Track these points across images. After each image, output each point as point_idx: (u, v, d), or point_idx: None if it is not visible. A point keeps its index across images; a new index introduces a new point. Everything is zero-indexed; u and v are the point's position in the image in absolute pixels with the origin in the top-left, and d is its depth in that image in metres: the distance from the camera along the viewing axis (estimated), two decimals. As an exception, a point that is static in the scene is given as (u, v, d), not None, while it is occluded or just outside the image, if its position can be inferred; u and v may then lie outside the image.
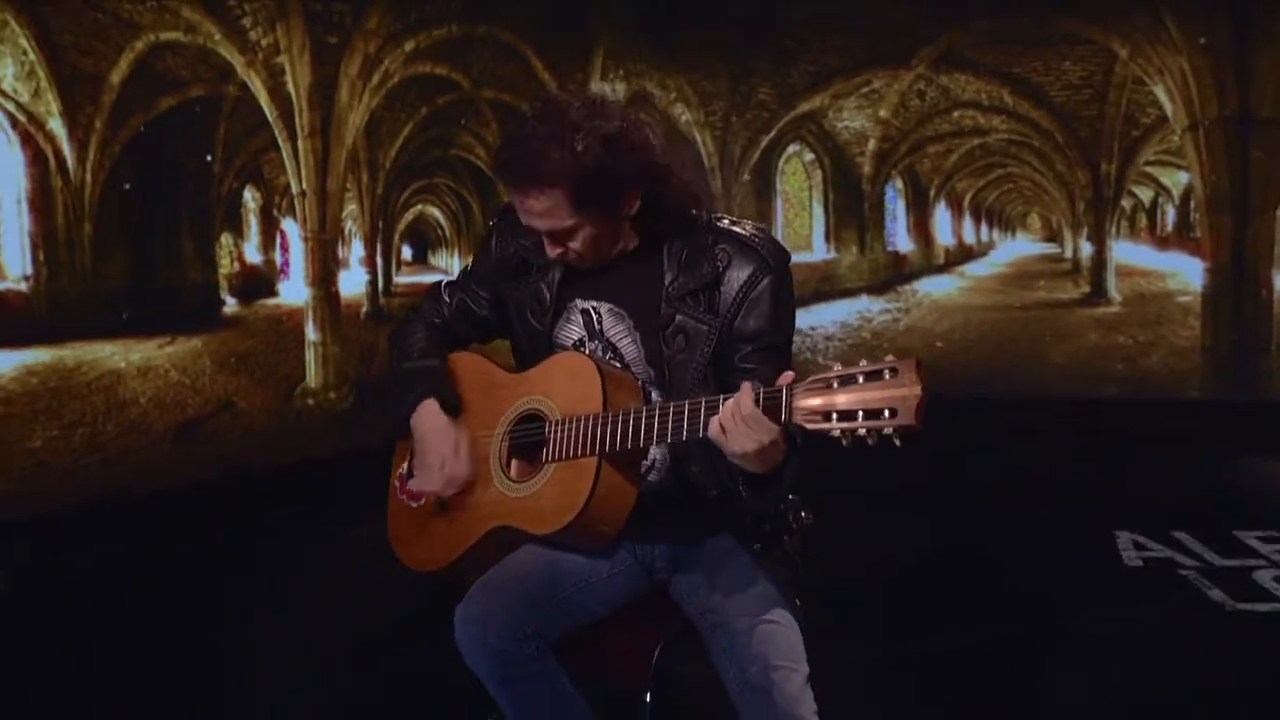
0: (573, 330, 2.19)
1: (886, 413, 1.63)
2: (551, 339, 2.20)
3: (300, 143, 6.54)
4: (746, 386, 1.77)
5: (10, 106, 5.55)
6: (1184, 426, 6.72)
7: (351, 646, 3.66)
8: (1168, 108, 7.26)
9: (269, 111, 6.42)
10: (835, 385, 1.68)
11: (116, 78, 5.88)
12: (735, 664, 2.00)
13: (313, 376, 6.73)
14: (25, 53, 5.54)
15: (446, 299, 2.35)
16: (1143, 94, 7.40)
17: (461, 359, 2.31)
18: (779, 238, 8.78)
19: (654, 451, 2.13)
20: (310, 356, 6.74)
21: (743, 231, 2.11)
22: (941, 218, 8.40)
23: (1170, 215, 7.70)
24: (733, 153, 8.38)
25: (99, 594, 4.30)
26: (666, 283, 2.09)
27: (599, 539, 2.09)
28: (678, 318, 2.07)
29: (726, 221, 2.13)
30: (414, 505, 2.30)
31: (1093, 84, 7.54)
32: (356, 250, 7.12)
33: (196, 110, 6.30)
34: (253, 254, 6.77)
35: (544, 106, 1.99)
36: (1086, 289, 7.88)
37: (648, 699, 2.13)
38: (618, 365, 2.15)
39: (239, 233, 6.67)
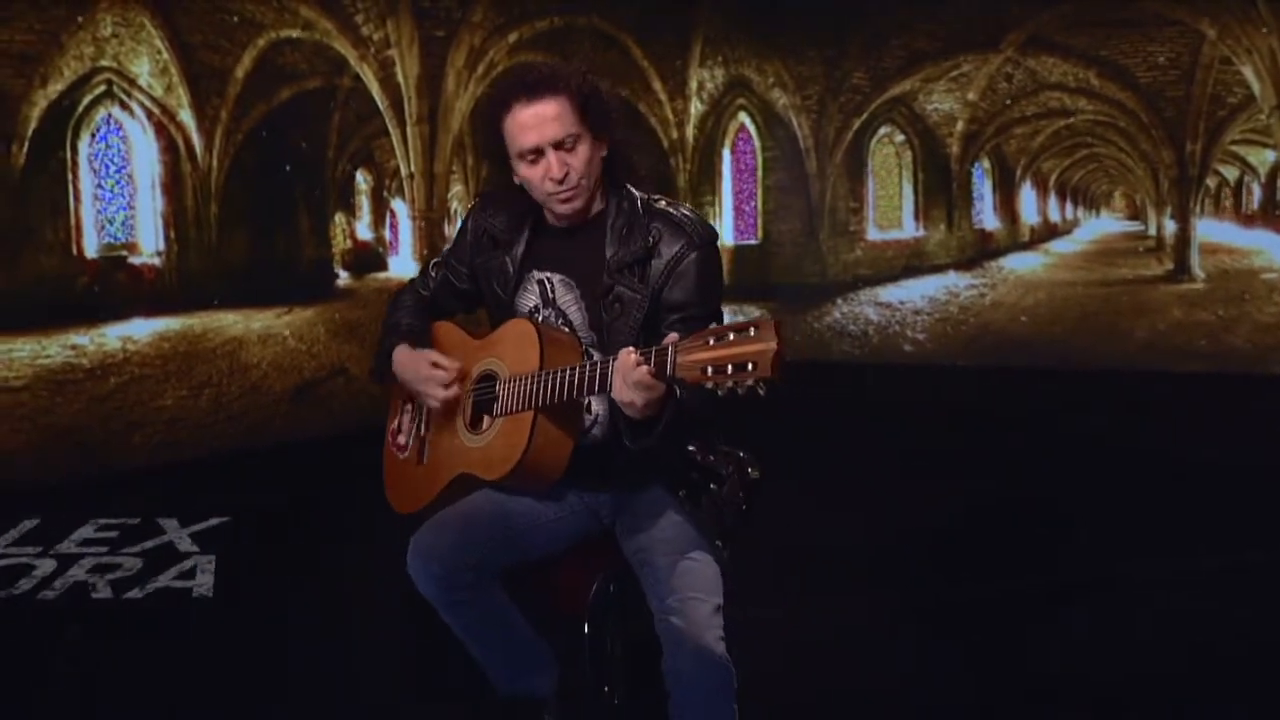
0: (530, 298, 2.40)
1: (749, 365, 1.79)
2: (513, 306, 2.41)
3: (409, 129, 6.80)
4: (629, 353, 1.97)
5: (146, 100, 5.96)
6: (1269, 402, 6.63)
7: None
8: (1255, 87, 7.09)
9: (380, 101, 6.71)
10: (711, 342, 1.84)
11: (240, 72, 6.24)
12: (656, 595, 2.22)
13: (420, 345, 6.97)
14: (159, 52, 5.93)
15: (433, 274, 2.58)
16: (1230, 74, 7.23)
17: (441, 327, 2.55)
18: (870, 216, 8.89)
19: (596, 407, 2.34)
20: (418, 326, 7.00)
21: (675, 212, 2.30)
22: (1027, 196, 8.36)
23: (1256, 193, 7.52)
24: (827, 135, 8.51)
25: (231, 538, 4.58)
26: (608, 256, 2.28)
27: (543, 483, 2.31)
28: (616, 287, 2.27)
29: (663, 203, 2.32)
30: (401, 456, 2.56)
31: (1179, 65, 7.41)
32: (461, 228, 7.30)
33: (331, 106, 6.62)
34: (364, 231, 7.00)
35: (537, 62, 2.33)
36: (1170, 266, 7.75)
37: (586, 629, 2.38)
38: (566, 330, 2.35)
39: (352, 212, 6.92)
